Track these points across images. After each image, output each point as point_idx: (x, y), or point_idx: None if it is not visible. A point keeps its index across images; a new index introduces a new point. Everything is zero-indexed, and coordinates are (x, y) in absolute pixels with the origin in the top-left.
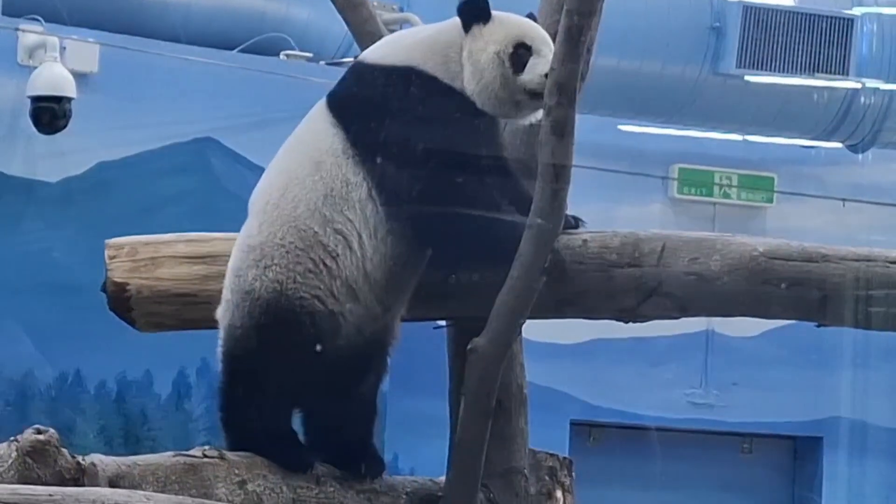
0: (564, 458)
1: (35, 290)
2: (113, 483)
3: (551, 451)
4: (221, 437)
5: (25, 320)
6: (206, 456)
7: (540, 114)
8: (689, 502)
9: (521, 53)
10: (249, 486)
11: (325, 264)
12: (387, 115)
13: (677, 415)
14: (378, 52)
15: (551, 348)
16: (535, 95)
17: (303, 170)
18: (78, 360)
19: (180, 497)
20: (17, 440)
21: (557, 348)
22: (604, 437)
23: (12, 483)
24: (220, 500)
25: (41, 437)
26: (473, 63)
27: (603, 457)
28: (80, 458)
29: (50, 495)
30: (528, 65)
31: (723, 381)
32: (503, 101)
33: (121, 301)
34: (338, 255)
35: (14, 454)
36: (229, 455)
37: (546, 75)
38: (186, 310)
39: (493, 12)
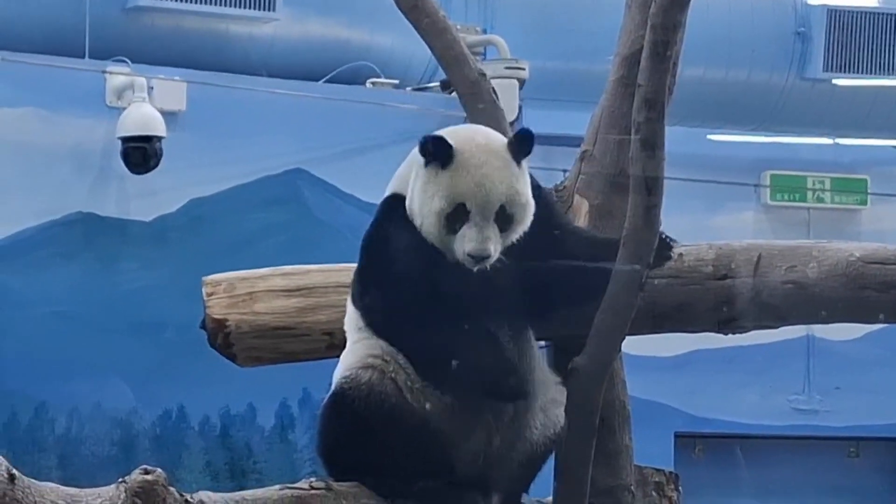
0: (671, 472)
1: (134, 330)
2: None
3: (657, 467)
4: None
5: (127, 360)
6: (313, 488)
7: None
8: None
9: (458, 214)
10: None
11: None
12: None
13: (781, 422)
14: None
15: (651, 361)
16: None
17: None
18: (180, 397)
19: None
20: (125, 481)
21: (657, 361)
22: (709, 448)
23: None
24: None
25: (149, 476)
26: (419, 206)
27: (709, 468)
28: (188, 497)
29: None
30: (459, 234)
31: (826, 385)
32: (440, 247)
33: (220, 337)
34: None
35: (123, 495)
36: (336, 485)
37: (470, 255)
38: (285, 343)
39: (457, 156)
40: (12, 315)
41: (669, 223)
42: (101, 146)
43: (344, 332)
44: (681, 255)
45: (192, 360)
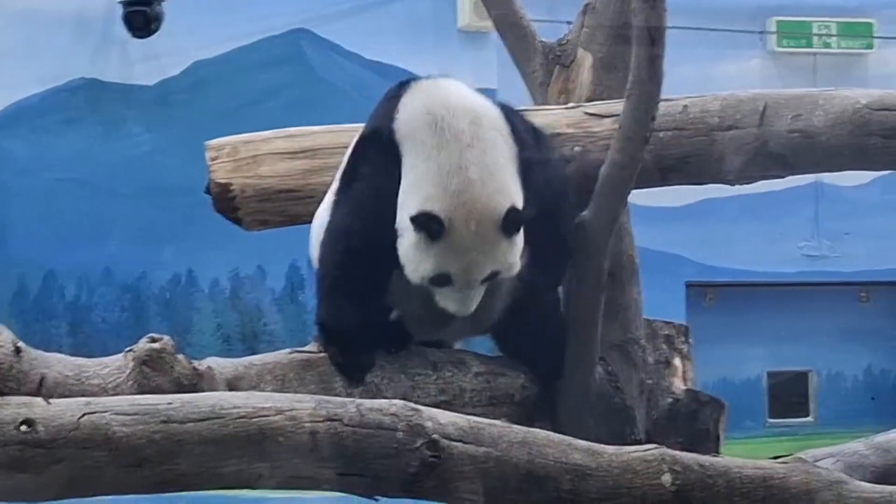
0: (681, 325)
1: (141, 195)
2: (231, 385)
3: (667, 320)
4: None
5: (134, 225)
6: (321, 351)
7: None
8: (809, 354)
9: (441, 278)
10: (368, 378)
11: None
12: None
13: (792, 269)
14: None
15: (661, 212)
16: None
17: None
18: (189, 261)
19: (300, 395)
20: (132, 350)
21: (667, 211)
22: (720, 297)
23: (131, 393)
24: (339, 394)
25: (156, 345)
26: (404, 258)
27: (720, 316)
28: (196, 364)
29: (169, 403)
30: (443, 290)
31: (835, 231)
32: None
33: (225, 201)
34: None
35: (131, 364)
36: None
37: (448, 312)
38: (291, 205)
39: (447, 233)
40: (18, 183)
41: (674, 74)
42: (101, 12)
43: None
44: (685, 107)
45: (199, 224)
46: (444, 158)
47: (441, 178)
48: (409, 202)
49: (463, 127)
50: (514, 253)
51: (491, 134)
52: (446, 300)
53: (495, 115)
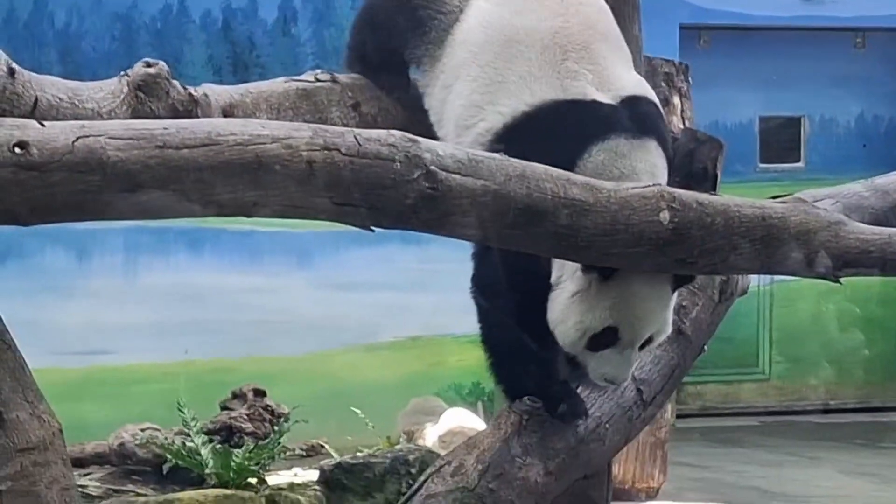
0: (681, 63)
1: None
2: (226, 113)
3: (667, 58)
4: (330, 62)
5: None
6: (318, 80)
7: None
8: (802, 99)
9: (605, 335)
10: (364, 108)
11: None
12: None
13: (788, 12)
14: None
15: None
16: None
17: None
18: None
19: (296, 123)
20: (127, 75)
21: None
22: (714, 40)
23: (126, 118)
24: (334, 123)
25: (151, 70)
26: (563, 311)
27: (714, 59)
28: (192, 90)
29: (164, 129)
30: (601, 355)
31: None
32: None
33: None
34: None
35: (125, 89)
36: (342, 78)
37: (609, 380)
38: None
39: (620, 277)
40: None
41: None
42: None
43: None
44: None
45: None
46: None
47: None
48: None
49: None
50: (670, 312)
51: None
52: (605, 365)
53: None
